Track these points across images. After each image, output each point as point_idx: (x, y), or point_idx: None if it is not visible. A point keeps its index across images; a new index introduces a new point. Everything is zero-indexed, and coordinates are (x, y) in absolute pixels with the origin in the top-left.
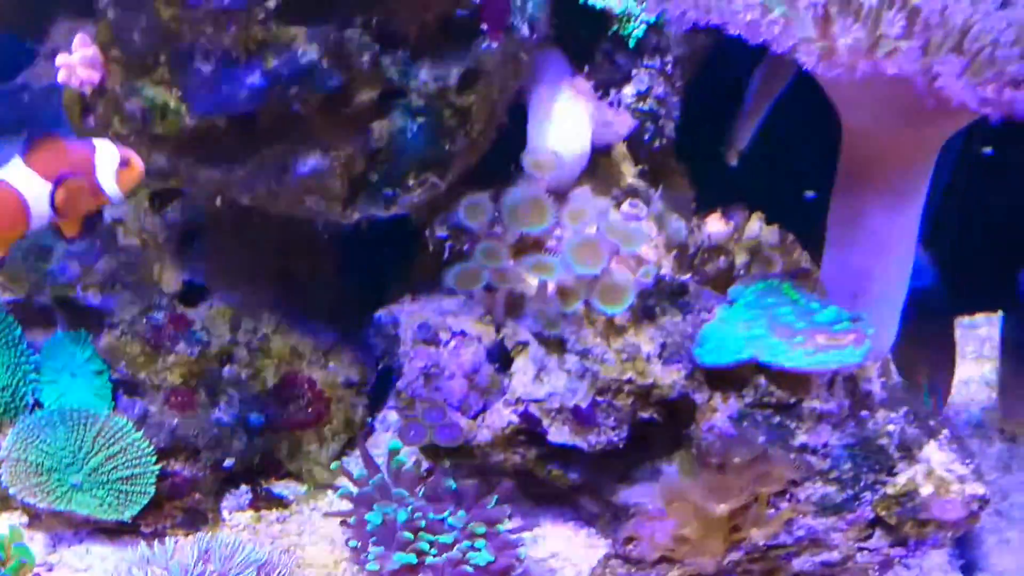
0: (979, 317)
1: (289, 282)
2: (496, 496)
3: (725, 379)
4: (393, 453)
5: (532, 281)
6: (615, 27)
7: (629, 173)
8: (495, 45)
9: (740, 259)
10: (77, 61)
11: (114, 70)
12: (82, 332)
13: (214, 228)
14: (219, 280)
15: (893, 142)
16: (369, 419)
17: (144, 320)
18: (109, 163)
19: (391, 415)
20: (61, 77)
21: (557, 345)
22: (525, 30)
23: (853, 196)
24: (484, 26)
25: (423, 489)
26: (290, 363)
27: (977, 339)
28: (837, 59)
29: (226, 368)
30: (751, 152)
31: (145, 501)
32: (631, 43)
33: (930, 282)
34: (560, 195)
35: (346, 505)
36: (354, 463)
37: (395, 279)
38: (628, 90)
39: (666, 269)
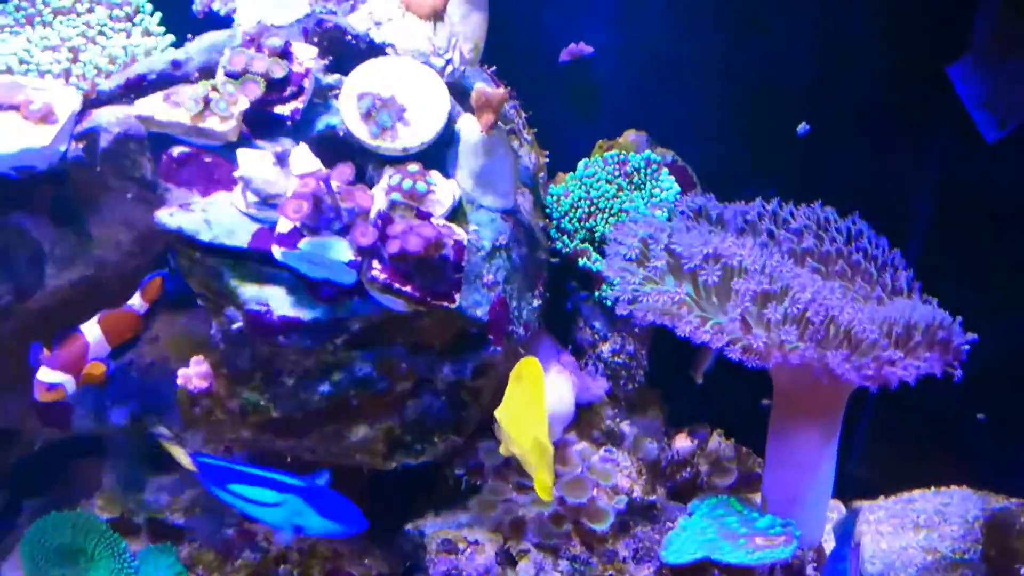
0: (916, 492)
1: None
2: None
3: (687, 573)
4: None
5: (533, 507)
6: (598, 292)
7: (606, 417)
8: (499, 349)
9: (704, 468)
10: (193, 373)
11: (220, 380)
12: (167, 544)
13: (272, 462)
14: None
15: (808, 396)
16: None
17: (217, 534)
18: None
19: None
20: (180, 382)
21: (552, 552)
22: (521, 331)
23: (783, 431)
24: (491, 336)
25: None
26: (333, 562)
27: (915, 511)
28: (755, 354)
29: (282, 567)
30: (713, 371)
31: None
32: (608, 302)
33: None
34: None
35: None
36: None
37: (420, 496)
38: (605, 347)
39: (639, 491)
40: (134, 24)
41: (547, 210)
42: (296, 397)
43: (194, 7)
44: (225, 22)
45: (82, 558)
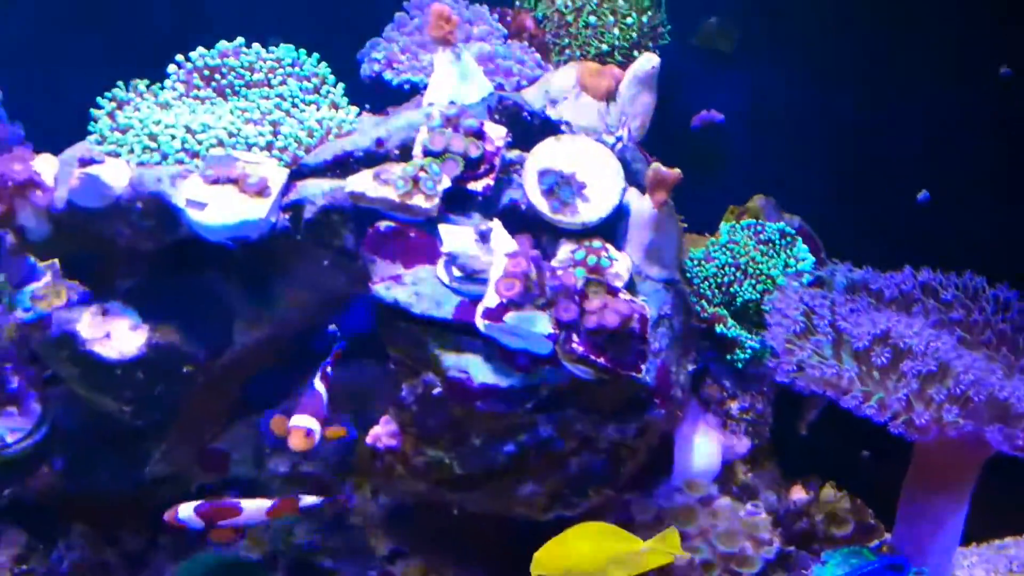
0: (1008, 539)
1: (462, 544)
2: None
3: None
4: None
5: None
6: (730, 355)
7: (742, 472)
8: (663, 412)
9: (819, 518)
10: (383, 433)
11: (408, 439)
12: None
13: (410, 510)
14: (414, 545)
15: (950, 460)
16: None
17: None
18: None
19: None
20: (369, 440)
21: None
22: (679, 393)
23: (919, 490)
24: (656, 400)
25: None
26: None
27: (1007, 557)
28: (917, 428)
29: None
30: (817, 422)
31: None
32: (739, 365)
33: None
34: None
35: None
36: None
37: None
38: (734, 405)
39: (778, 542)
40: (321, 96)
41: (687, 275)
42: (482, 456)
43: (362, 72)
44: (395, 91)
45: None
